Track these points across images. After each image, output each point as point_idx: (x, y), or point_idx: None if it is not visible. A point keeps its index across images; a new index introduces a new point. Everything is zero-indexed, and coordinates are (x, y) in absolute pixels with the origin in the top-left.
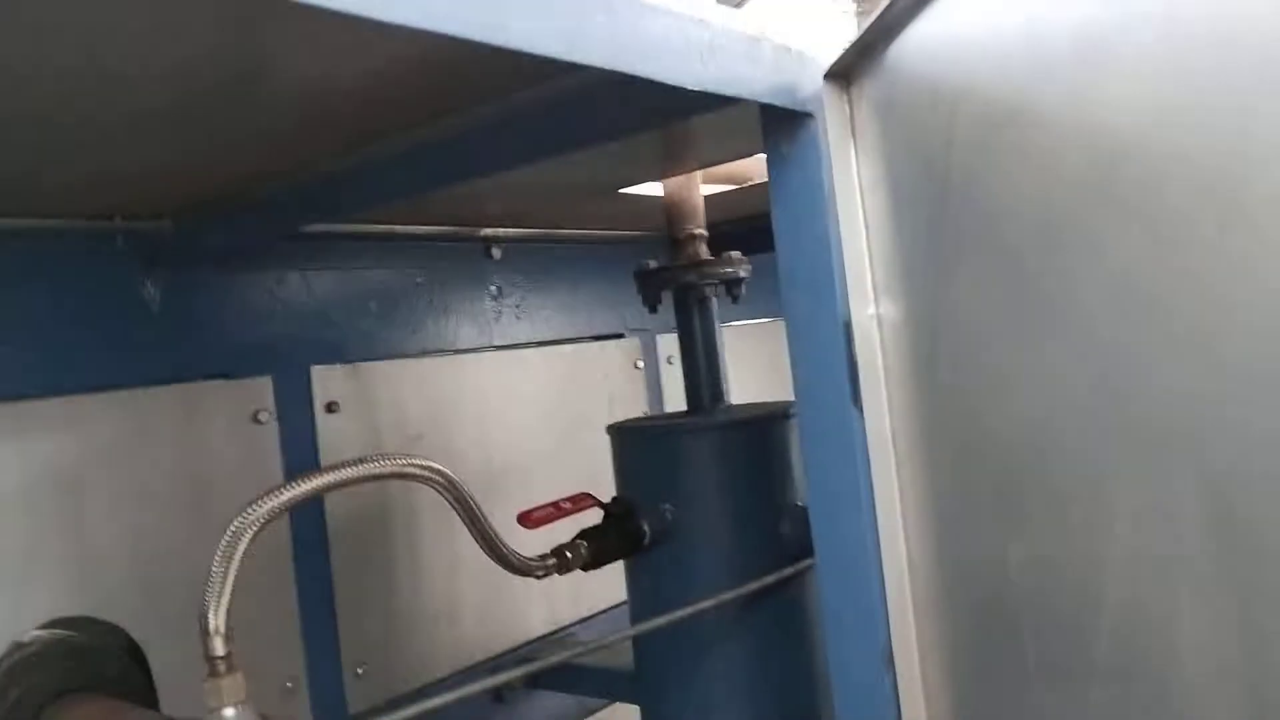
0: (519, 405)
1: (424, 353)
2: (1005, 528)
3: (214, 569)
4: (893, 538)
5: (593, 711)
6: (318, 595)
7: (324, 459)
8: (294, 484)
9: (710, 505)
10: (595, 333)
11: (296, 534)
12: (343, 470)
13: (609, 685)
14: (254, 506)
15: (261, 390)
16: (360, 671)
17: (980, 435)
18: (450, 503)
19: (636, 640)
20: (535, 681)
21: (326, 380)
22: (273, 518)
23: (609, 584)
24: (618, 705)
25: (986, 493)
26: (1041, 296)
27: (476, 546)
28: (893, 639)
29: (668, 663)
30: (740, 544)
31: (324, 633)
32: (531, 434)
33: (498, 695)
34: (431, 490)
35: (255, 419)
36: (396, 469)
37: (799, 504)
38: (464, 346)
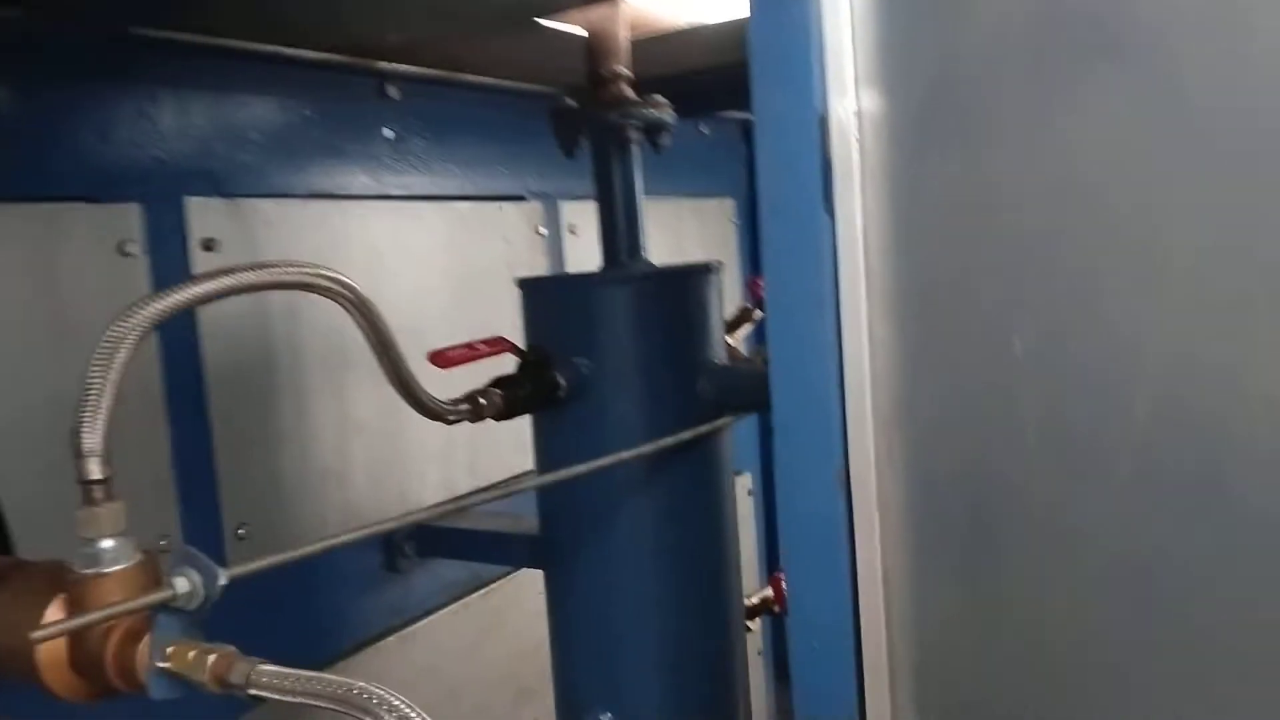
0: (413, 263)
1: (311, 194)
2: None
3: (90, 380)
4: (857, 350)
5: (487, 583)
6: (194, 449)
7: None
8: (186, 285)
9: (627, 360)
10: (496, 193)
11: (170, 383)
12: (242, 274)
13: (511, 551)
14: (140, 306)
15: (128, 219)
16: (242, 532)
17: (983, 228)
18: (359, 324)
19: (543, 502)
20: (431, 549)
21: (203, 214)
22: (160, 319)
23: (505, 456)
24: (512, 579)
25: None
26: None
27: (367, 407)
28: (850, 459)
29: (576, 524)
30: (657, 401)
31: (202, 491)
32: (426, 294)
33: (391, 564)
34: (318, 344)
35: (122, 250)
36: (301, 278)
37: (717, 362)
38: (356, 193)
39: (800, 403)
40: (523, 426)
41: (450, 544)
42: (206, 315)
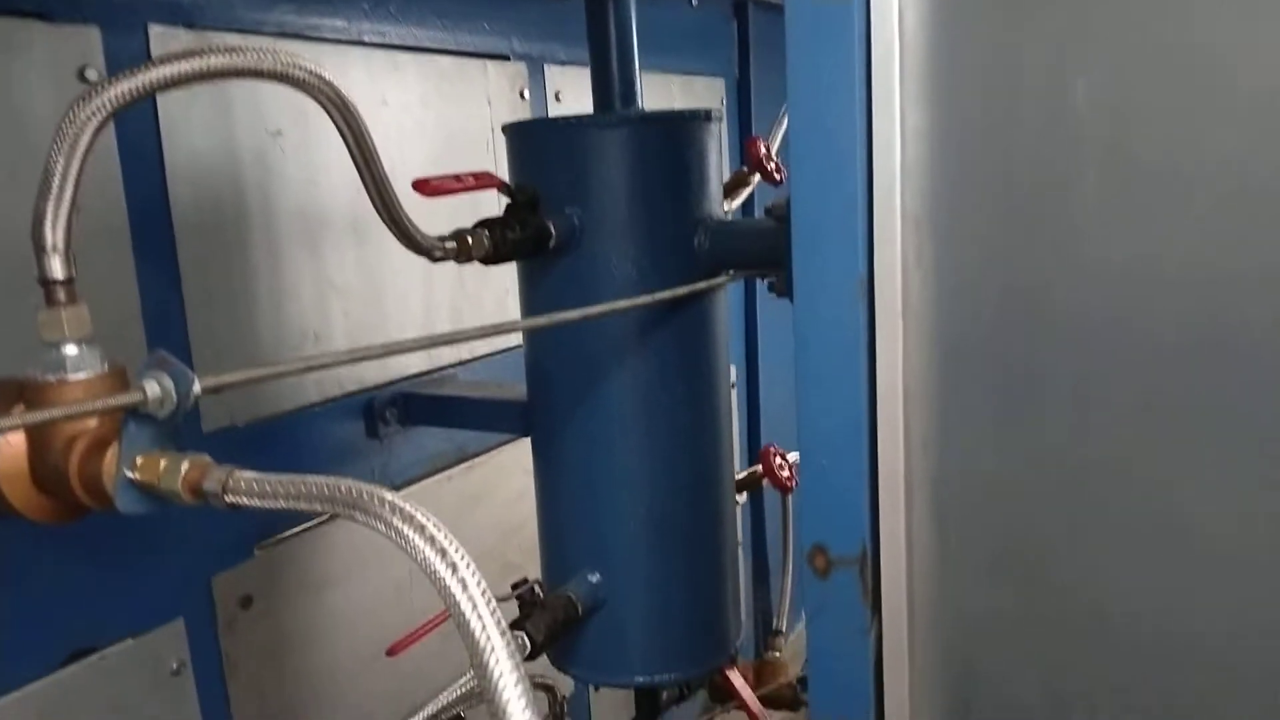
0: (390, 116)
1: (282, 33)
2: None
3: (51, 168)
4: (887, 139)
5: (471, 457)
6: (164, 300)
7: (167, 144)
8: (149, 67)
9: (621, 210)
10: (479, 50)
11: (137, 230)
12: (210, 59)
13: (498, 416)
14: (102, 89)
15: (88, 42)
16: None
17: None
18: (339, 127)
19: (531, 366)
20: (414, 416)
21: (167, 44)
22: (123, 104)
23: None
24: (496, 455)
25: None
26: None
27: (346, 270)
28: (874, 263)
29: (565, 387)
30: (651, 255)
31: (172, 346)
32: (405, 151)
33: (372, 431)
34: (293, 199)
35: (81, 75)
36: (276, 67)
37: (715, 217)
38: (329, 36)
39: (822, 199)
40: (507, 299)
41: (434, 411)
42: (173, 159)
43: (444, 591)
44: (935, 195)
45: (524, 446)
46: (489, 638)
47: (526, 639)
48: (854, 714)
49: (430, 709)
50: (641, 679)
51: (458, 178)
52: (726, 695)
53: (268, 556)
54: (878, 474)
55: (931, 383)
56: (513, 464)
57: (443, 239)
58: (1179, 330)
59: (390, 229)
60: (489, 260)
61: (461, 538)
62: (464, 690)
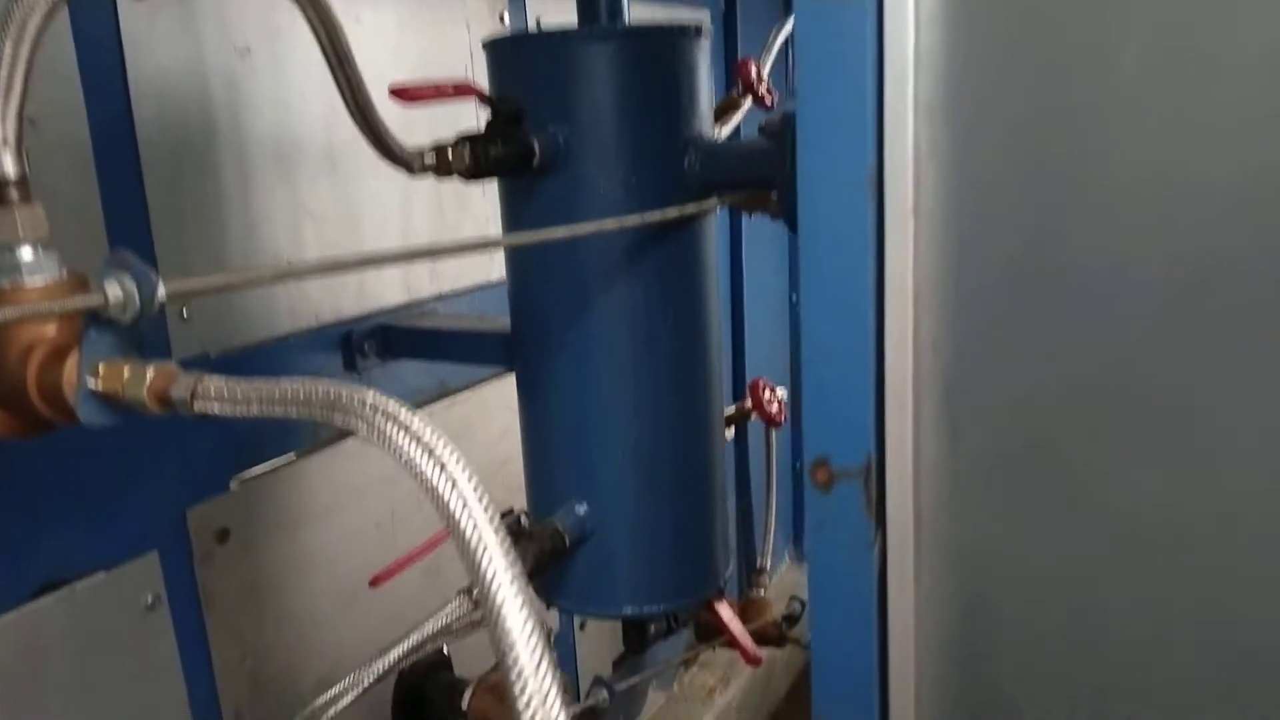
0: (365, 36)
1: None
2: None
3: None
4: (900, 21)
5: (453, 393)
6: (130, 220)
7: (130, 61)
8: None
9: (608, 129)
10: None
11: (100, 145)
12: None
13: (480, 348)
14: None
15: None
16: (185, 313)
17: None
18: (313, 26)
19: (514, 294)
20: (393, 348)
21: None
22: None
23: (466, 262)
24: (478, 391)
25: None
26: None
27: (320, 198)
28: (884, 156)
29: (549, 314)
30: (640, 176)
31: None
32: (380, 73)
33: (350, 363)
34: (265, 123)
35: None
36: None
37: (705, 136)
38: None
39: (828, 85)
40: (488, 227)
41: (414, 343)
42: (137, 76)
43: (432, 493)
44: (953, 80)
45: (507, 383)
46: (480, 537)
47: None
48: (855, 634)
49: (413, 639)
50: (630, 610)
51: (436, 86)
52: (713, 633)
53: (244, 491)
54: (884, 381)
55: (944, 281)
56: (496, 400)
57: (421, 151)
58: (1226, 203)
59: (367, 138)
60: (469, 175)
61: None
62: (448, 620)
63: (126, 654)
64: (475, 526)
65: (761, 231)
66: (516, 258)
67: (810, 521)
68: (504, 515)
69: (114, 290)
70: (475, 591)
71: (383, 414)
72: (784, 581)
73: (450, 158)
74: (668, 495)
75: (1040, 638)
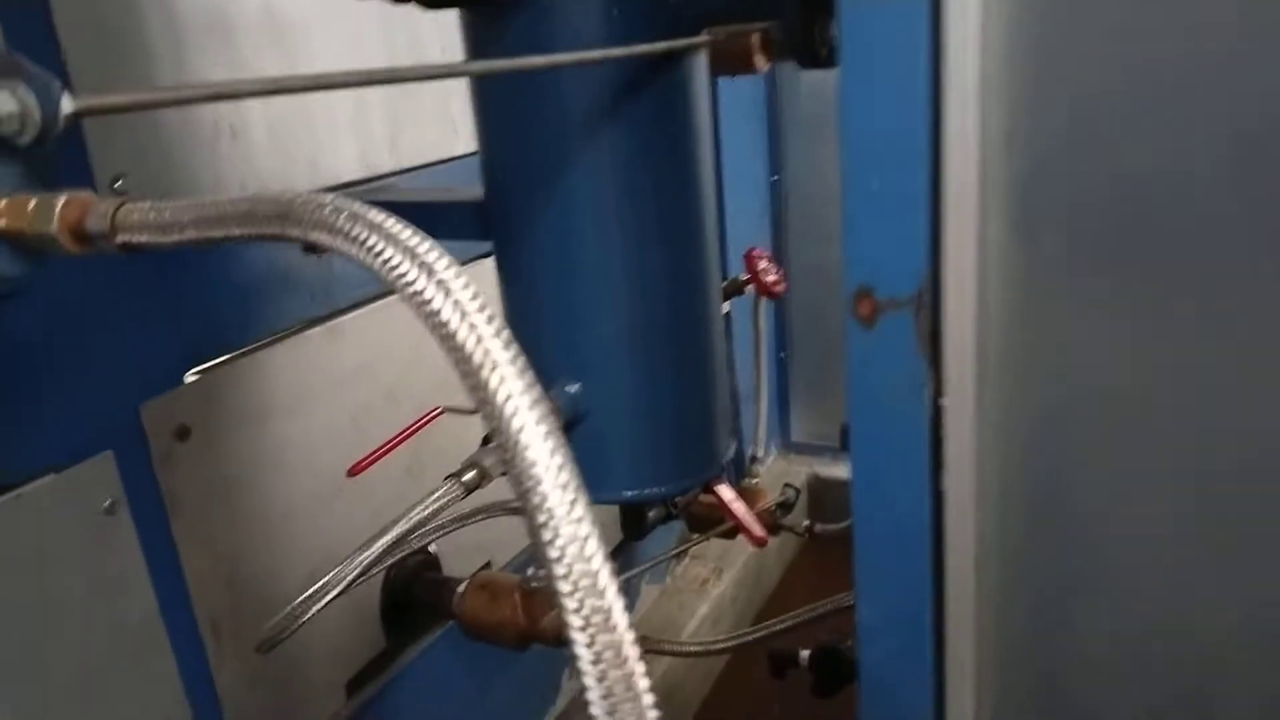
0: None
1: None
2: None
3: None
4: None
5: None
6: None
7: None
8: None
9: None
10: None
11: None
12: None
13: (451, 219)
14: None
15: None
16: (118, 185)
17: None
18: None
19: (489, 156)
20: None
21: None
22: None
23: (429, 134)
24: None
25: None
26: None
27: (265, 63)
28: None
29: (529, 176)
30: (622, 4)
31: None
32: None
33: (308, 245)
34: None
35: None
36: None
37: None
38: None
39: None
40: (451, 100)
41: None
42: None
43: (419, 303)
44: None
45: (484, 266)
46: (486, 350)
47: None
48: (903, 491)
49: (400, 527)
50: (629, 493)
51: None
52: (705, 524)
53: (202, 384)
54: (942, 186)
55: (1021, 60)
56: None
57: None
58: None
59: None
60: (429, 3)
61: (418, 368)
62: (437, 505)
63: (86, 563)
64: (478, 338)
65: (737, 102)
66: (487, 110)
67: (851, 364)
68: None
69: (5, 103)
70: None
71: (349, 215)
72: (772, 473)
73: None
74: (666, 369)
75: (1130, 467)
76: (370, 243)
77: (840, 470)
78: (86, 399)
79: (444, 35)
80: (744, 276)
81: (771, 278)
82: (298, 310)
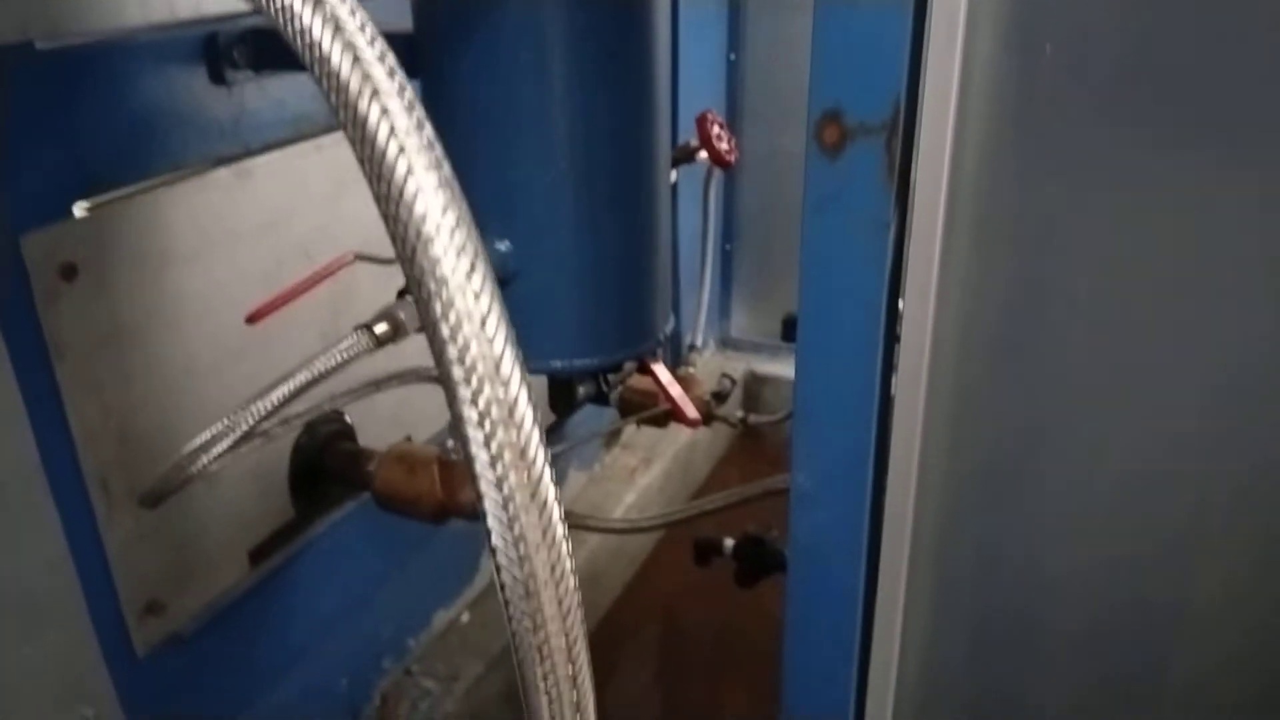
0: None
1: None
2: None
3: None
4: None
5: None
6: None
7: None
8: None
9: None
10: None
11: None
12: None
13: None
14: None
15: None
16: None
17: None
18: None
19: None
20: (269, 59)
21: None
22: None
23: None
24: None
25: None
26: None
27: None
28: None
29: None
30: None
31: None
32: None
33: (216, 75)
34: None
35: None
36: None
37: None
38: None
39: None
40: None
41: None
42: None
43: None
44: None
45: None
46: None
47: None
48: (855, 338)
49: (300, 377)
50: (559, 363)
51: None
52: (635, 409)
53: (94, 219)
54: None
55: None
56: None
57: None
58: None
59: None
60: None
61: (336, 219)
62: (343, 356)
63: None
64: (354, 57)
65: None
66: None
67: (808, 200)
68: None
69: None
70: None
71: None
72: (709, 367)
73: None
74: (605, 229)
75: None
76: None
77: (778, 367)
78: None
79: None
80: (694, 143)
81: (725, 145)
82: (204, 147)
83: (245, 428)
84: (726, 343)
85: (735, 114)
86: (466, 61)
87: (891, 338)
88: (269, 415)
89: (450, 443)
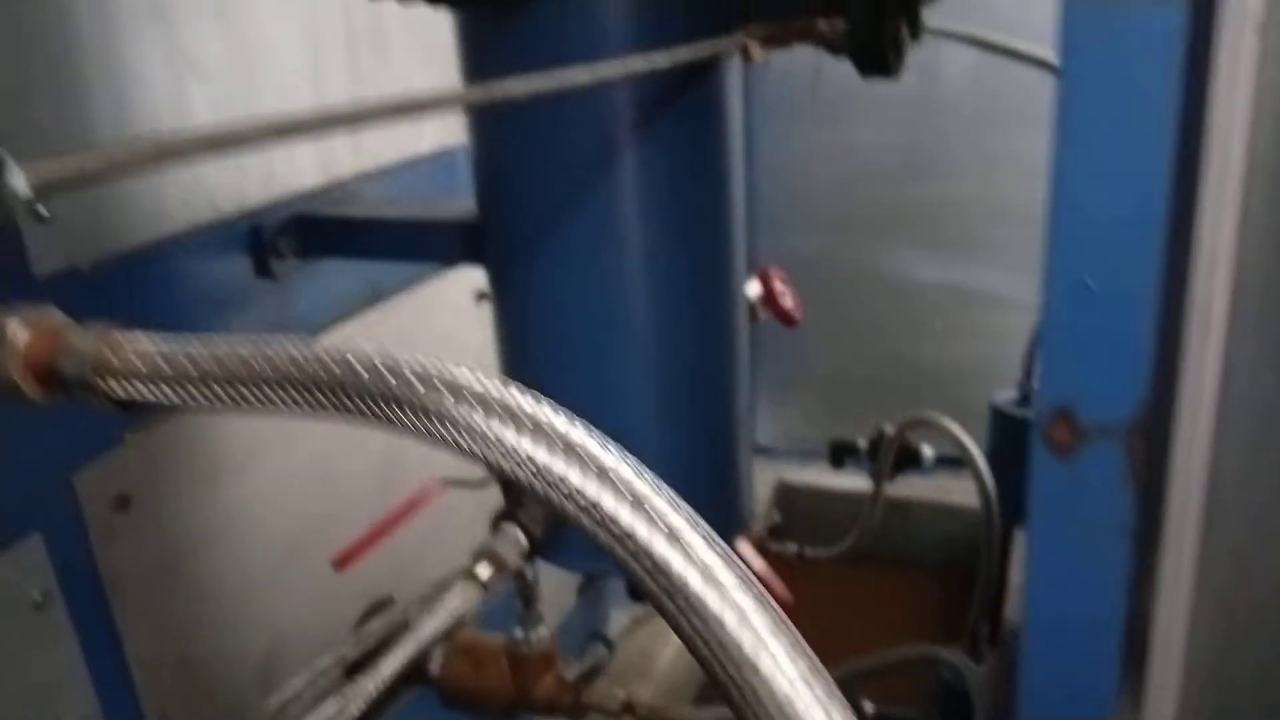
0: None
1: None
2: None
3: None
4: None
5: (389, 295)
6: None
7: None
8: None
9: None
10: None
11: None
12: None
13: (432, 240)
14: None
15: None
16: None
17: None
18: None
19: (487, 169)
20: (317, 245)
21: None
22: None
23: (396, 133)
24: (419, 291)
25: None
26: None
27: (207, 44)
28: None
29: (540, 194)
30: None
31: None
32: None
33: (263, 268)
34: None
35: None
36: None
37: None
38: None
39: None
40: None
41: (343, 238)
42: None
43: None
44: None
45: (450, 279)
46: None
47: (522, 534)
48: (1090, 650)
49: (407, 648)
50: None
51: None
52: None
53: (143, 442)
54: (1186, 288)
55: None
56: (438, 300)
57: None
58: None
59: None
60: None
61: None
62: (451, 619)
63: (13, 669)
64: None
65: None
66: (490, 122)
67: (1035, 496)
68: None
69: None
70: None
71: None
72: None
73: None
74: (694, 421)
75: None
76: (492, 432)
77: (810, 475)
78: (8, 474)
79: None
80: (754, 294)
81: (789, 302)
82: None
83: (356, 713)
84: (755, 450)
85: (751, 221)
86: (542, 254)
87: (1133, 654)
88: (375, 694)
89: (518, 631)
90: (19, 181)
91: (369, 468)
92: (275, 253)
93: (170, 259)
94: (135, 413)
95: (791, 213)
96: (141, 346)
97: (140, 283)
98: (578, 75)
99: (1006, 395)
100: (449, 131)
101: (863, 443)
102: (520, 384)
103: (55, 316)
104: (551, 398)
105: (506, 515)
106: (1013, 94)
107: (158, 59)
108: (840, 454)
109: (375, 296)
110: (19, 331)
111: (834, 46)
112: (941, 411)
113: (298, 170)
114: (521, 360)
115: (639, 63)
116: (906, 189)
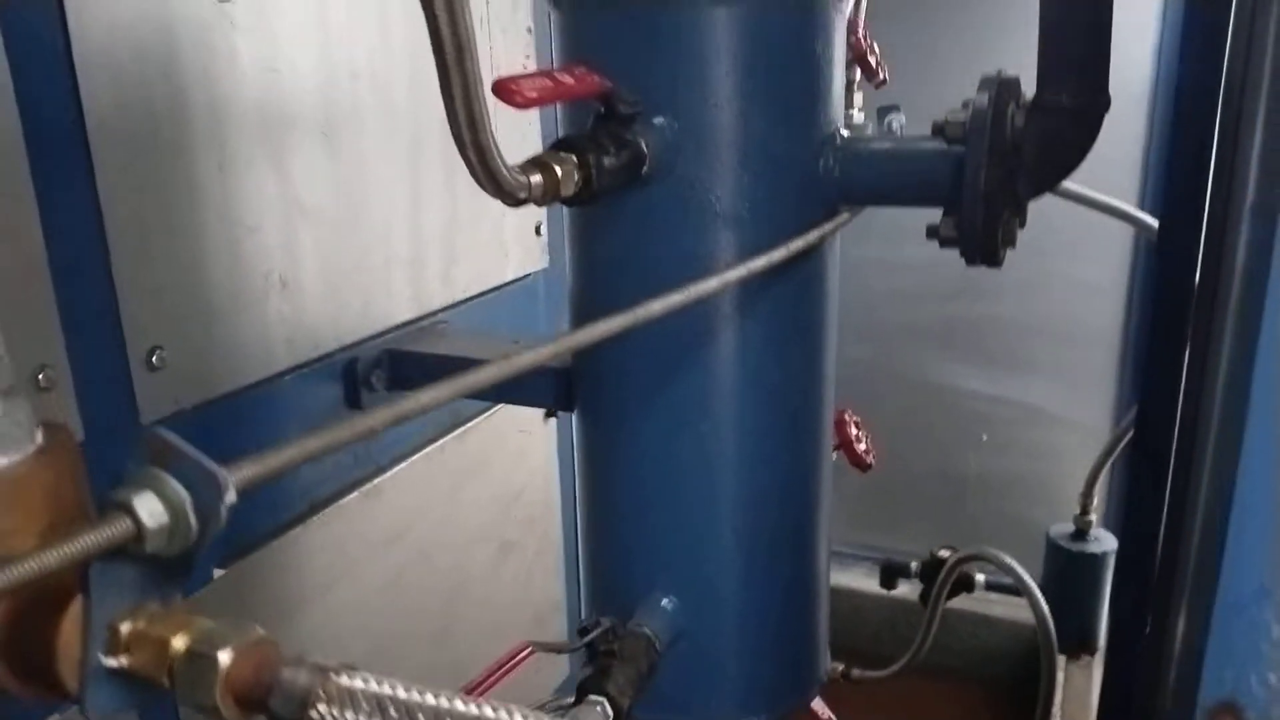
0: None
1: None
2: None
3: None
4: None
5: (466, 421)
6: (80, 241)
7: (73, 16)
8: None
9: (728, 120)
10: None
11: (35, 138)
12: None
13: (524, 387)
14: None
15: None
16: (156, 359)
17: None
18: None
19: (582, 321)
20: (408, 380)
21: None
22: None
23: (483, 264)
24: (492, 416)
25: None
26: None
27: (317, 188)
28: None
29: (638, 356)
30: (768, 183)
31: (93, 299)
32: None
33: (354, 400)
34: (248, 94)
35: None
36: None
37: (841, 132)
38: None
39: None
40: (504, 221)
41: (433, 375)
42: (83, 37)
43: None
44: None
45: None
46: None
47: (609, 706)
48: None
49: None
50: None
51: (553, 78)
52: None
53: (233, 577)
54: None
55: None
56: (508, 425)
57: (524, 169)
58: None
59: (470, 160)
60: (578, 200)
61: (453, 522)
62: None
63: None
64: None
65: None
66: (591, 283)
67: None
68: (587, 630)
69: (151, 509)
70: None
71: None
72: None
73: (559, 177)
74: (777, 579)
75: None
76: None
77: (846, 579)
78: None
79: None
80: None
81: (863, 446)
82: (339, 475)
83: None
84: None
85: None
86: (635, 413)
87: None
88: None
89: None
90: (230, 494)
91: (436, 582)
92: (368, 386)
93: (267, 396)
94: (225, 549)
95: (845, 322)
96: (348, 685)
97: (238, 418)
98: (706, 286)
99: (1062, 529)
100: (530, 259)
101: (915, 565)
102: (605, 535)
103: (257, 634)
104: (637, 551)
105: (592, 687)
106: (1050, 220)
107: (271, 202)
108: (892, 576)
109: (455, 421)
110: (219, 650)
111: (944, 240)
112: (980, 519)
113: (393, 304)
114: (606, 509)
115: (760, 262)
116: (954, 304)
